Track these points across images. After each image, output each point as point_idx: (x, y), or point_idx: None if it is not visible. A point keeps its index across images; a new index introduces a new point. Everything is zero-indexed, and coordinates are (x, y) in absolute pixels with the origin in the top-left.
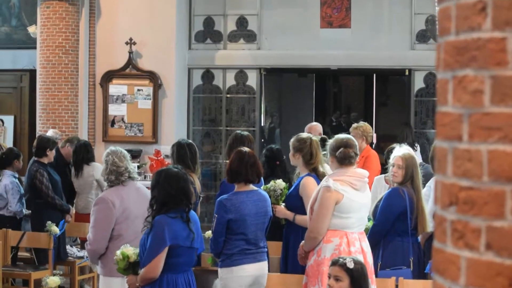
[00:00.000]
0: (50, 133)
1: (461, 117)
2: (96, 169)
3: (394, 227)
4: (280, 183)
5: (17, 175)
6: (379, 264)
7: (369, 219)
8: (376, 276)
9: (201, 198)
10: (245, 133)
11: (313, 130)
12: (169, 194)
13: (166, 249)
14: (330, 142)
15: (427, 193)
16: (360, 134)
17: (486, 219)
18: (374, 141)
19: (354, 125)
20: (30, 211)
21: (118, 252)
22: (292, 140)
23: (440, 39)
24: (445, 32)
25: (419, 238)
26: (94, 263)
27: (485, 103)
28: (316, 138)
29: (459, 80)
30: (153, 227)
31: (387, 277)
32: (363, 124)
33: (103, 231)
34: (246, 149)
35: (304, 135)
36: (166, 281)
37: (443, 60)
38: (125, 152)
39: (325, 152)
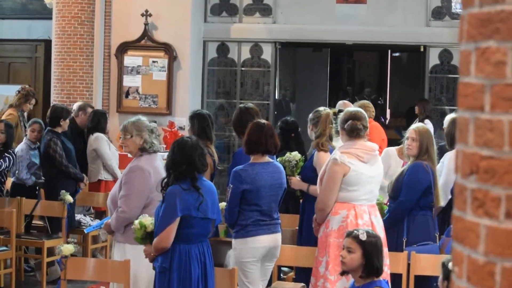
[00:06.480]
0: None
1: (483, 88)
2: (96, 139)
3: (419, 202)
4: (295, 154)
5: (34, 145)
6: (404, 241)
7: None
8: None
9: (217, 169)
10: (250, 105)
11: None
12: (177, 162)
13: (177, 220)
14: (340, 115)
15: (440, 169)
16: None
17: (506, 188)
18: (388, 116)
19: (357, 103)
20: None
21: (136, 222)
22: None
23: (463, 11)
24: (469, 4)
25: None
26: (119, 231)
27: (507, 74)
28: (328, 111)
29: (482, 51)
30: (165, 197)
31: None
32: (363, 101)
33: (141, 199)
34: (263, 120)
35: (321, 108)
36: (178, 251)
37: (466, 32)
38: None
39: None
